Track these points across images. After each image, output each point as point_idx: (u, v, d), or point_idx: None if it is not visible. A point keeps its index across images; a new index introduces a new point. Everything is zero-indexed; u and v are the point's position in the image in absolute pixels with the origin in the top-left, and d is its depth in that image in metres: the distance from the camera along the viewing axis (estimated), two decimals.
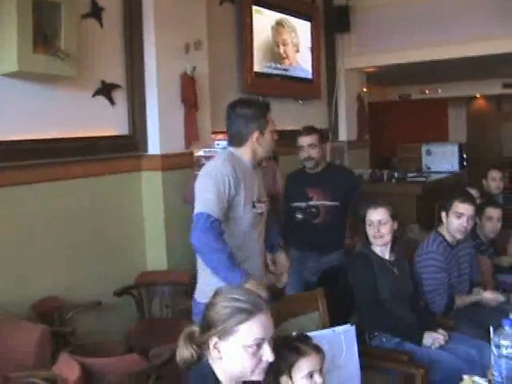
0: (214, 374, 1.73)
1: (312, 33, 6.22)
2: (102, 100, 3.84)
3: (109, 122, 3.91)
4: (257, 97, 4.96)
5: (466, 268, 3.39)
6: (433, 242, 3.31)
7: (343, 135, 6.86)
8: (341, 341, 2.33)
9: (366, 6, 6.49)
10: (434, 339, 2.82)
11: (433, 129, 10.71)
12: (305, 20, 6.11)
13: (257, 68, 5.37)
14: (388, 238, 3.01)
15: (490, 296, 3.30)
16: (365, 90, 7.26)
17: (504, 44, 5.62)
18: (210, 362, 1.75)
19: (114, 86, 3.92)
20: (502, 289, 3.42)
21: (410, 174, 6.20)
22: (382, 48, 6.35)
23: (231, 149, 2.59)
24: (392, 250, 3.08)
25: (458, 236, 3.29)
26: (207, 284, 2.37)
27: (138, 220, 4.11)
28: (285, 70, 5.81)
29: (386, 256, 3.06)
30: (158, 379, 2.66)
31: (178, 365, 1.81)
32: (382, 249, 3.06)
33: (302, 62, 6.11)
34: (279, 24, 5.73)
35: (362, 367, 2.42)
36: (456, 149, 7.05)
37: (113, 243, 3.89)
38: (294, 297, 3.01)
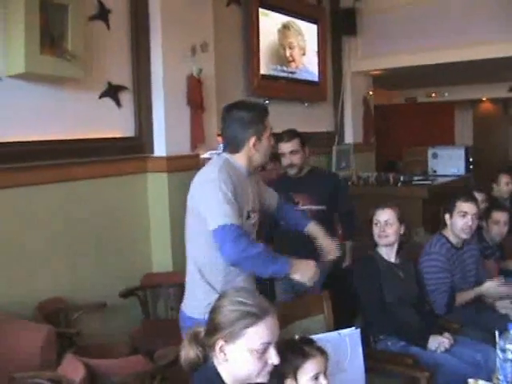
0: (219, 376, 1.73)
1: (318, 36, 6.22)
2: (108, 102, 3.85)
3: (115, 123, 3.92)
4: (256, 99, 4.99)
5: (471, 270, 3.39)
6: (435, 244, 3.34)
7: (349, 138, 6.85)
8: (346, 344, 2.32)
9: (372, 9, 6.48)
10: (439, 343, 2.81)
11: (439, 132, 10.69)
12: (311, 23, 6.11)
13: (263, 70, 5.37)
14: (393, 238, 3.02)
15: (489, 284, 3.26)
16: (371, 92, 7.24)
17: (510, 48, 5.60)
18: (216, 364, 1.75)
19: (121, 88, 3.92)
20: (502, 277, 3.39)
21: (416, 178, 6.18)
22: (388, 51, 6.34)
23: (226, 155, 2.44)
24: (398, 253, 3.08)
25: (464, 236, 3.29)
26: (205, 299, 2.24)
27: (144, 221, 4.12)
28: (291, 72, 5.81)
29: (392, 259, 3.06)
30: (162, 380, 2.66)
31: (183, 366, 1.81)
32: (387, 252, 3.06)
33: (308, 65, 6.11)
34: (286, 27, 5.73)
35: (367, 370, 2.41)
36: (462, 152, 7.01)
37: (118, 245, 3.89)
38: (299, 300, 3.00)
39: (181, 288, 3.80)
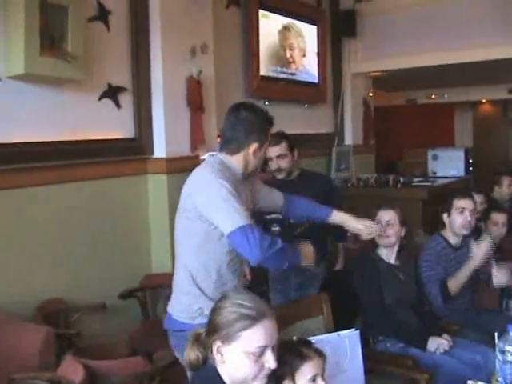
0: (219, 376, 1.73)
1: (318, 37, 6.22)
2: (108, 103, 3.85)
3: (115, 124, 3.92)
4: (262, 104, 4.99)
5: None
6: (431, 242, 3.40)
7: (349, 139, 6.85)
8: (345, 345, 2.31)
9: (372, 10, 6.49)
10: (438, 344, 2.81)
11: (439, 134, 10.69)
12: (311, 24, 6.11)
13: (263, 72, 5.37)
14: (393, 239, 3.03)
15: (477, 247, 3.23)
16: (371, 94, 7.25)
17: (510, 50, 5.60)
18: (216, 364, 1.75)
19: (121, 89, 3.93)
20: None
21: (416, 179, 6.18)
22: (388, 53, 6.34)
23: (221, 156, 2.36)
24: (398, 255, 3.08)
25: (464, 232, 3.32)
26: (195, 303, 2.27)
27: (144, 222, 4.12)
28: (291, 74, 5.82)
29: (392, 261, 3.07)
30: (162, 382, 2.66)
31: (184, 367, 1.81)
32: (387, 253, 3.06)
33: (308, 67, 6.11)
34: (286, 28, 5.73)
35: (366, 372, 2.41)
36: (462, 154, 7.02)
37: (118, 246, 3.89)
38: (298, 301, 3.00)
39: None
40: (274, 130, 2.51)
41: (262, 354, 1.67)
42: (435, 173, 6.90)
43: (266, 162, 3.62)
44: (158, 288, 3.90)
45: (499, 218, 3.85)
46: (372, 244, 3.08)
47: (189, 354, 1.81)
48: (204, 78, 4.27)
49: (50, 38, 3.18)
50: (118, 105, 3.91)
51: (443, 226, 3.40)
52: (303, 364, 1.84)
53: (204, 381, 1.77)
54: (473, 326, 3.14)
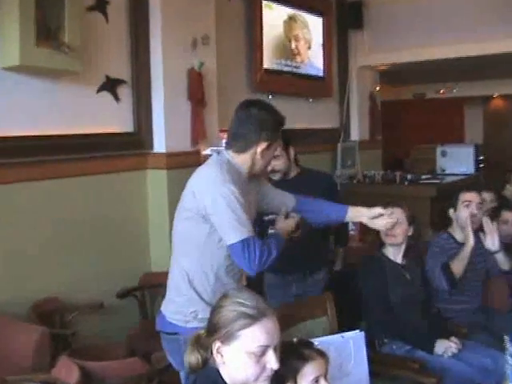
0: (221, 377, 1.73)
1: (324, 29, 6.19)
2: (106, 96, 3.84)
3: (113, 118, 3.91)
4: (267, 98, 4.98)
5: (480, 262, 3.38)
6: (436, 238, 3.44)
7: (355, 135, 6.84)
8: (349, 347, 2.31)
9: (379, 1, 6.45)
10: (446, 347, 2.80)
11: (448, 129, 10.65)
12: (317, 16, 6.09)
13: (266, 65, 5.35)
14: (400, 239, 3.02)
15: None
16: (378, 88, 7.22)
17: None
18: (216, 366, 1.74)
19: (119, 82, 3.92)
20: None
21: (424, 176, 6.16)
22: (395, 45, 6.31)
23: (227, 155, 2.32)
24: (405, 254, 3.07)
25: (470, 226, 3.29)
26: (190, 306, 2.27)
27: (142, 219, 4.11)
28: (295, 67, 5.80)
29: (398, 260, 3.06)
30: None
31: (177, 370, 1.80)
32: (394, 252, 3.05)
33: (313, 59, 6.09)
34: (292, 18, 5.71)
35: (372, 375, 2.41)
36: (472, 150, 6.98)
37: (116, 243, 3.89)
38: (301, 301, 2.99)
39: None
40: None
41: (263, 354, 1.66)
42: (444, 170, 6.87)
43: None
44: (156, 287, 3.87)
45: (509, 216, 3.84)
46: (378, 243, 3.07)
47: (189, 357, 1.80)
48: (205, 71, 4.26)
49: (46, 28, 3.15)
50: (116, 98, 3.90)
51: (450, 222, 3.41)
52: (305, 365, 1.84)
53: (205, 381, 1.76)
54: (482, 328, 3.13)
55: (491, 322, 3.21)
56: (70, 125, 3.57)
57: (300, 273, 3.37)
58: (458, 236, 3.38)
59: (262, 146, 2.29)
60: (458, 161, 6.90)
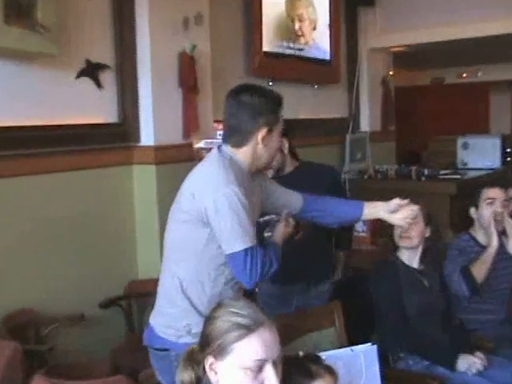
0: None
1: (330, 7, 6.18)
2: (86, 82, 3.83)
3: (95, 107, 3.91)
4: (266, 84, 4.96)
5: (506, 268, 3.39)
6: (456, 240, 3.46)
7: (365, 125, 6.84)
8: (360, 362, 2.31)
9: None
10: (470, 363, 2.80)
11: (471, 119, 10.63)
12: None
13: (266, 47, 5.33)
14: (416, 241, 3.02)
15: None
16: (391, 73, 7.23)
17: None
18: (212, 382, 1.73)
19: (101, 66, 3.91)
20: None
21: (443, 171, 6.14)
22: (411, 24, 6.29)
23: (229, 151, 2.31)
24: (422, 258, 3.06)
25: (493, 226, 3.29)
26: (184, 318, 2.26)
27: (128, 221, 4.12)
28: (299, 49, 5.78)
29: (415, 265, 3.06)
30: None
31: None
32: (409, 256, 3.05)
33: (318, 41, 6.07)
34: None
35: None
36: (498, 142, 6.97)
37: (99, 247, 3.89)
38: (306, 311, 2.98)
39: None
40: None
41: (260, 369, 1.64)
42: (466, 164, 6.86)
43: None
44: (144, 296, 3.87)
45: None
46: (391, 245, 3.06)
47: (181, 375, 1.79)
48: (198, 54, 4.25)
49: (16, 4, 3.12)
50: (98, 84, 3.90)
51: (471, 222, 3.41)
52: (311, 383, 1.82)
53: None
54: (510, 342, 3.12)
55: None
56: (44, 115, 3.56)
57: (303, 283, 3.32)
58: (481, 238, 3.38)
59: (263, 132, 2.28)
60: (481, 154, 6.88)
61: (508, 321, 3.38)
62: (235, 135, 2.31)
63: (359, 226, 4.93)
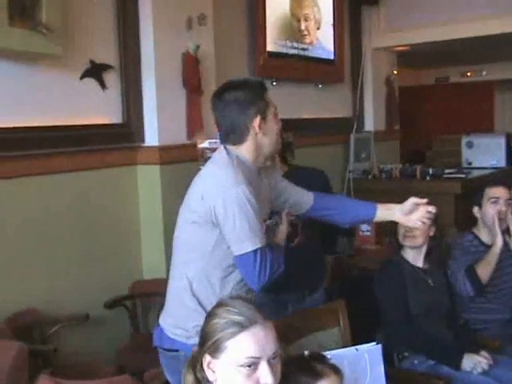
0: None
1: (335, 6, 6.17)
2: (91, 83, 3.83)
3: (99, 108, 3.91)
4: (270, 85, 4.97)
5: (508, 266, 3.37)
6: (459, 239, 3.45)
7: (369, 125, 6.83)
8: (365, 361, 2.30)
9: None
10: (475, 363, 2.79)
11: (475, 118, 10.61)
12: None
13: (270, 47, 5.33)
14: (420, 240, 3.02)
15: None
16: (395, 72, 7.20)
17: None
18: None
19: (106, 67, 3.91)
20: None
21: (448, 170, 6.13)
22: (415, 23, 6.28)
23: (234, 151, 2.31)
24: (426, 257, 3.06)
25: (498, 225, 3.29)
26: (193, 320, 2.22)
27: (133, 221, 4.12)
28: (303, 49, 5.77)
29: (419, 264, 3.05)
30: None
31: None
32: (414, 255, 3.05)
33: (322, 41, 6.06)
34: None
35: None
36: (503, 141, 6.94)
37: (103, 248, 3.89)
38: (310, 310, 2.98)
39: None
40: (281, 114, 2.46)
41: (255, 367, 1.65)
42: (470, 163, 6.84)
43: None
44: (149, 296, 3.90)
45: None
46: (395, 245, 3.06)
47: (186, 377, 1.79)
48: (202, 55, 4.25)
49: (20, 5, 3.12)
50: (102, 85, 3.90)
51: (475, 221, 3.40)
52: (317, 382, 1.83)
53: None
54: None
55: None
56: (48, 115, 3.56)
57: (298, 292, 3.24)
58: (484, 237, 3.38)
59: (257, 122, 2.28)
60: (486, 152, 6.86)
61: None
62: (232, 134, 2.31)
63: (364, 226, 4.93)
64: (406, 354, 2.89)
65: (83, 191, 3.78)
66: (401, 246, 3.07)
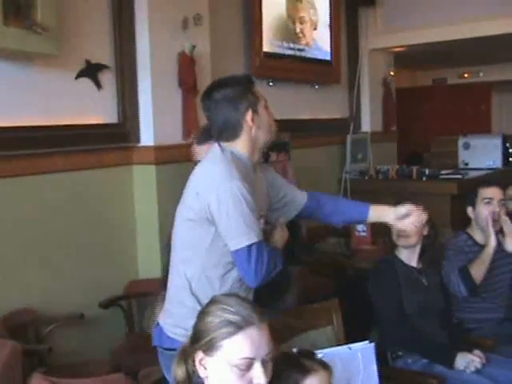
0: None
1: (331, 7, 6.18)
2: (86, 82, 3.83)
3: (94, 108, 3.91)
4: (267, 85, 4.97)
5: (504, 265, 3.40)
6: (453, 239, 3.45)
7: (366, 126, 6.83)
8: (358, 360, 2.31)
9: None
10: (468, 361, 2.80)
11: (472, 119, 10.61)
12: None
13: (266, 48, 5.33)
14: (414, 239, 3.02)
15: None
16: (392, 73, 7.21)
17: None
18: (202, 380, 1.74)
19: (101, 67, 3.91)
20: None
21: (444, 171, 6.13)
22: (413, 24, 6.28)
23: (229, 147, 2.32)
24: (420, 257, 3.07)
25: (492, 226, 3.30)
26: (192, 318, 2.15)
27: (129, 221, 4.12)
28: (299, 50, 5.78)
29: (413, 263, 3.06)
30: None
31: None
32: (408, 255, 3.06)
33: (319, 42, 6.07)
34: None
35: None
36: (499, 142, 6.93)
37: (99, 247, 3.89)
38: (303, 309, 2.98)
39: None
40: (277, 115, 2.48)
41: (248, 367, 1.65)
42: (467, 164, 6.84)
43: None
44: (145, 296, 3.88)
45: None
46: (389, 244, 3.07)
47: (176, 372, 1.80)
48: (198, 55, 4.26)
49: (15, 4, 3.12)
50: (98, 85, 3.90)
51: (469, 222, 3.41)
52: (306, 378, 1.84)
53: None
54: (509, 341, 3.12)
55: None
56: (44, 115, 3.56)
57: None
58: (478, 237, 3.39)
59: (249, 115, 2.30)
60: (483, 153, 6.86)
61: (508, 319, 3.37)
62: (226, 131, 2.33)
63: (360, 227, 4.94)
64: (400, 352, 2.90)
65: (79, 191, 3.78)
66: (395, 246, 3.08)
